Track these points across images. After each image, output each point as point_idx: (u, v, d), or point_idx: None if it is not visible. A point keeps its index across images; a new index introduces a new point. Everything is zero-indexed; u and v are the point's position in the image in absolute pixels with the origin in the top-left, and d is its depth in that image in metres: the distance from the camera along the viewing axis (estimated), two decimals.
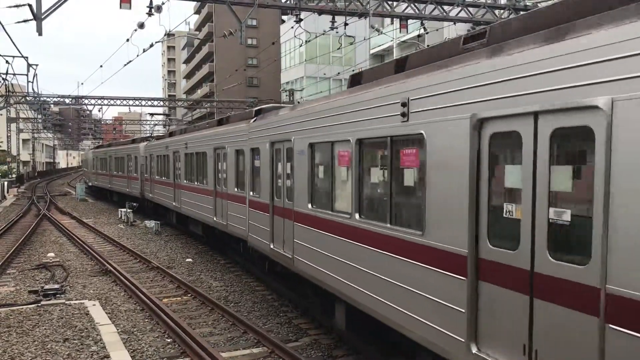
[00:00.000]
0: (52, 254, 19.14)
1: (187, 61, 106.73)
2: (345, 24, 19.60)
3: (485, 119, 5.28)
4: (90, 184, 48.29)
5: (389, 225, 7.06)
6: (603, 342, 4.04)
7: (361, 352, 9.32)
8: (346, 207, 8.31)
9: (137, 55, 24.68)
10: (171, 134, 25.12)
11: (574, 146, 4.61)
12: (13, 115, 69.20)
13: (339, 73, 49.87)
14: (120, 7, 16.29)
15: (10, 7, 15.76)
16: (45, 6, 15.14)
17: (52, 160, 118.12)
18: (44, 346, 9.76)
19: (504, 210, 5.15)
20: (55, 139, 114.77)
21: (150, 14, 16.47)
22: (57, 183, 75.65)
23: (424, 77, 6.34)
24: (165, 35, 24.21)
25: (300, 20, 19.49)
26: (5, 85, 40.20)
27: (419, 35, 37.78)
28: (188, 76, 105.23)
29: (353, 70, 46.28)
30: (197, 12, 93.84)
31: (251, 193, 13.31)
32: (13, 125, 70.33)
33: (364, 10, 18.67)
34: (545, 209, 4.63)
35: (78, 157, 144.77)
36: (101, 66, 31.78)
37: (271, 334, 10.22)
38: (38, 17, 14.99)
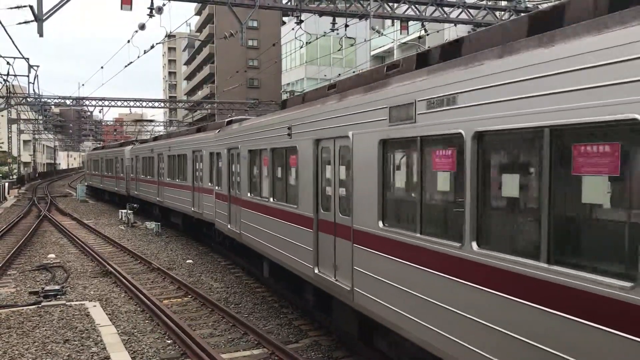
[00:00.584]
0: (52, 255, 19.14)
1: (188, 62, 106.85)
2: (346, 26, 19.61)
3: (318, 140, 9.00)
4: (86, 183, 50.66)
5: (285, 203, 10.66)
6: (352, 252, 7.72)
7: (362, 353, 9.32)
8: (267, 194, 11.69)
9: (138, 57, 24.81)
10: (155, 139, 28.77)
11: (344, 154, 8.17)
12: (14, 116, 69.24)
13: (339, 74, 49.86)
14: (122, 8, 16.29)
15: (11, 8, 15.79)
16: (46, 7, 15.14)
17: (52, 162, 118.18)
18: (44, 347, 9.76)
19: (326, 192, 8.86)
20: (56, 140, 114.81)
21: (151, 15, 16.48)
22: (57, 184, 75.68)
23: (297, 112, 10.04)
24: (166, 36, 24.23)
25: (301, 21, 19.51)
26: (6, 86, 40.22)
27: (419, 37, 37.79)
28: (189, 77, 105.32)
29: (353, 72, 46.29)
30: (198, 13, 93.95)
31: (216, 187, 16.58)
32: (14, 127, 70.41)
33: (365, 12, 18.67)
34: (337, 189, 8.39)
35: (79, 158, 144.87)
36: (102, 67, 31.83)
37: (271, 335, 10.22)
38: (39, 18, 15.01)
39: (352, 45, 40.73)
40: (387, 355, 7.98)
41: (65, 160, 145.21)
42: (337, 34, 21.22)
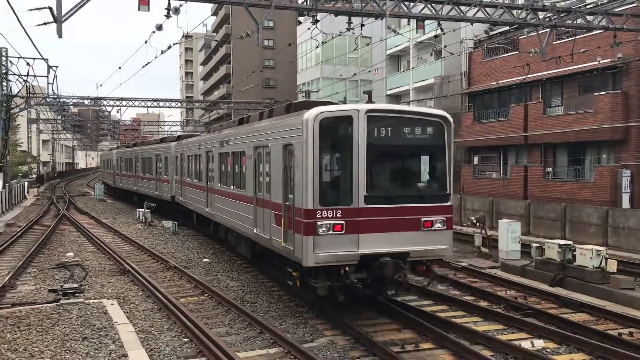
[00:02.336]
0: (71, 254, 19.36)
1: (204, 63, 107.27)
2: (362, 25, 19.55)
3: (256, 147, 13.85)
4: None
5: (232, 188, 16.14)
6: (255, 211, 13.59)
7: (376, 354, 9.31)
8: (225, 183, 17.17)
9: (155, 57, 24.92)
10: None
11: (260, 157, 13.60)
12: (33, 116, 70.11)
13: (355, 74, 49.81)
14: (139, 9, 16.37)
15: (31, 9, 15.97)
16: (64, 9, 15.28)
17: (71, 161, 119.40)
18: (63, 344, 9.87)
19: (263, 179, 13.24)
20: (74, 139, 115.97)
21: (168, 15, 16.54)
22: (76, 183, 76.49)
23: (226, 131, 17.53)
24: (182, 37, 24.37)
25: (317, 21, 19.48)
26: (26, 87, 40.73)
27: (435, 36, 37.59)
28: (205, 78, 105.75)
29: (369, 72, 46.08)
30: (215, 13, 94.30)
31: (201, 181, 21.08)
32: (33, 126, 71.26)
33: (381, 11, 18.59)
34: (265, 176, 13.00)
35: (97, 157, 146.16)
36: (120, 68, 32.14)
37: (287, 334, 10.24)
38: (58, 19, 15.16)
39: (367, 44, 40.64)
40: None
41: (84, 159, 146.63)
42: (353, 33, 21.16)
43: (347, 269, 10.54)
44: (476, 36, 37.05)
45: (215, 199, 18.47)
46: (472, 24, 21.72)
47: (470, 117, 35.57)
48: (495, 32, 35.77)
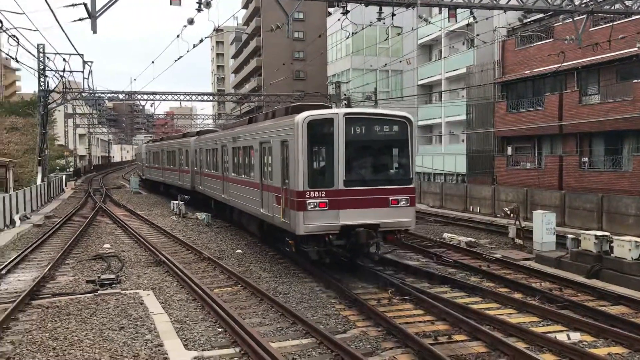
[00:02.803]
0: (107, 245, 19.78)
1: (235, 56, 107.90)
2: (393, 15, 19.39)
3: (261, 142, 16.74)
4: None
5: (243, 176, 18.78)
6: (262, 195, 16.53)
7: (409, 345, 9.30)
8: (238, 172, 19.97)
9: (187, 51, 25.23)
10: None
11: (264, 151, 16.44)
12: (70, 111, 71.64)
13: (385, 64, 49.47)
14: (171, 4, 16.55)
15: (66, 6, 16.30)
16: (98, 5, 15.55)
17: (107, 154, 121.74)
18: (101, 334, 10.12)
19: (266, 168, 16.03)
20: (109, 133, 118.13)
21: (199, 9, 16.67)
22: (112, 176, 78.01)
23: (238, 129, 20.77)
24: (214, 30, 24.55)
25: (347, 12, 19.40)
26: (63, 82, 41.61)
27: (468, 25, 37.07)
28: (236, 71, 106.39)
29: (400, 62, 45.75)
30: (245, 6, 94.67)
31: (218, 171, 24.05)
32: (70, 121, 72.82)
33: (412, 1, 18.41)
34: (268, 166, 15.94)
35: (132, 151, 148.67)
36: (153, 62, 32.55)
37: (320, 325, 10.29)
38: (93, 15, 15.43)
39: (398, 34, 40.26)
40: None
41: (119, 153, 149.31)
42: (384, 23, 21.00)
43: (330, 237, 13.48)
44: (509, 24, 36.38)
45: (229, 187, 21.56)
46: (505, 11, 21.34)
47: (504, 107, 35.02)
48: (529, 20, 35.07)
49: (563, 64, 26.47)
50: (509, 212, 19.93)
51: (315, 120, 13.57)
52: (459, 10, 20.21)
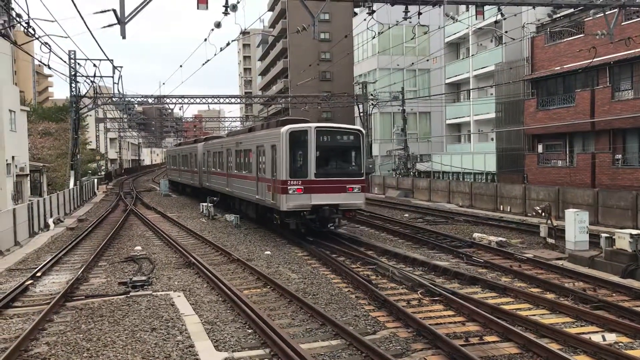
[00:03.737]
0: (139, 247, 20.07)
1: (262, 58, 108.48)
2: (419, 14, 19.27)
3: (257, 146, 22.62)
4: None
5: (245, 172, 24.49)
6: (257, 185, 22.45)
7: (439, 346, 9.21)
8: (239, 169, 25.76)
9: (215, 54, 25.49)
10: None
11: (259, 152, 22.41)
12: (101, 115, 72.93)
13: (412, 63, 49.19)
14: (198, 8, 16.73)
15: (96, 13, 16.59)
16: (127, 11, 15.79)
17: (137, 158, 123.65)
18: (133, 335, 10.26)
19: (260, 165, 22.08)
20: (139, 137, 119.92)
21: (226, 13, 16.81)
22: (142, 179, 79.14)
23: (241, 136, 26.70)
24: (240, 33, 24.73)
25: (373, 11, 19.35)
26: (93, 87, 42.40)
27: (496, 22, 36.58)
28: (263, 73, 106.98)
29: (427, 60, 45.38)
30: (271, 9, 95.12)
31: (223, 169, 29.84)
32: (101, 125, 74.12)
33: None
34: (262, 164, 21.92)
35: (161, 154, 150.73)
36: (181, 66, 32.92)
37: (349, 326, 10.26)
38: (122, 21, 15.68)
39: (425, 33, 40.01)
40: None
41: (149, 156, 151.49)
42: (410, 22, 20.90)
43: (304, 212, 19.30)
44: (538, 20, 35.83)
45: (233, 181, 27.48)
46: (534, 7, 21.02)
47: (534, 104, 34.50)
48: (558, 15, 34.48)
49: (594, 60, 25.97)
50: (540, 211, 19.62)
51: (294, 131, 19.47)
52: (486, 7, 19.98)
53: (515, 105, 36.93)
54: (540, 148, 35.11)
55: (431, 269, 15.28)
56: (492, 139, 42.48)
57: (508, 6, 19.78)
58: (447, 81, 50.02)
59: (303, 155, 19.44)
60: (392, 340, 9.75)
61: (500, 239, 19.35)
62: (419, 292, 12.73)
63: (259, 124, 28.89)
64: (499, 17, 20.21)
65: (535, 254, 17.05)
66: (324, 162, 19.71)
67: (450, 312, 11.33)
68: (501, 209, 29.41)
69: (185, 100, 46.13)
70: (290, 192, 19.10)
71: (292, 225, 19.81)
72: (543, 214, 19.31)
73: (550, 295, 12.46)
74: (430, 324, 10.19)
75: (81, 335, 10.34)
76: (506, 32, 32.15)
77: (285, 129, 19.41)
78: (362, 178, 20.11)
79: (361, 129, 20.61)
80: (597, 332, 10.01)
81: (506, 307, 11.42)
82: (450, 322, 10.70)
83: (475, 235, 20.48)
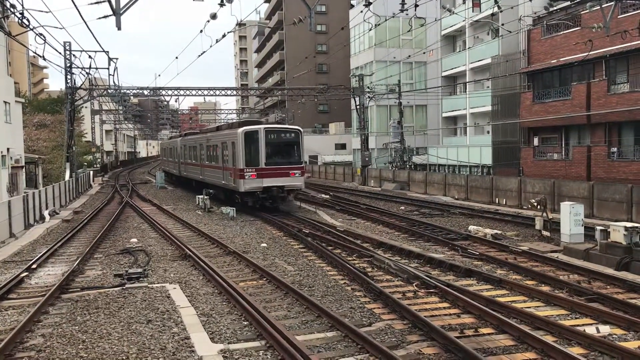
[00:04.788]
0: (135, 240, 20.04)
1: (258, 50, 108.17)
2: (416, 6, 19.22)
3: (223, 142, 28.57)
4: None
5: (213, 163, 30.26)
6: (223, 173, 28.53)
7: (435, 338, 9.25)
8: (209, 161, 31.71)
9: (210, 46, 25.34)
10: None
11: (224, 147, 28.41)
12: (96, 107, 72.65)
13: (409, 56, 49.11)
14: None
15: (91, 3, 16.49)
16: (122, 2, 15.68)
17: (133, 150, 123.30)
18: (129, 327, 10.26)
19: (224, 157, 27.90)
20: (135, 129, 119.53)
21: (222, 4, 16.73)
22: (138, 172, 78.97)
23: (210, 134, 32.96)
24: (236, 25, 24.63)
25: (370, 3, 19.29)
26: (89, 79, 42.21)
27: (492, 14, 36.54)
28: (259, 65, 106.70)
29: (424, 53, 45.32)
30: (267, 0, 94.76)
31: (197, 161, 35.60)
32: (97, 117, 73.86)
33: None
34: (225, 156, 28.18)
35: (157, 146, 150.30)
36: (176, 58, 32.81)
37: (345, 318, 10.29)
38: (117, 12, 15.59)
39: (422, 25, 39.88)
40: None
41: (145, 148, 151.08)
42: (407, 14, 20.86)
43: (258, 192, 25.16)
44: (535, 13, 35.79)
45: (205, 170, 33.03)
46: (530, 0, 20.97)
47: (530, 97, 34.52)
48: (555, 8, 34.45)
49: (591, 53, 25.97)
50: (535, 204, 19.67)
51: (248, 131, 25.33)
52: (483, 0, 19.94)
53: (512, 98, 36.95)
54: (536, 141, 35.16)
55: (427, 262, 15.32)
56: (488, 132, 42.52)
57: None
58: (444, 74, 49.97)
59: (255, 149, 25.03)
60: (388, 332, 9.78)
61: (495, 231, 19.40)
62: (414, 284, 12.77)
63: (225, 124, 35.53)
64: (496, 9, 20.17)
65: (530, 247, 17.11)
66: (272, 154, 25.29)
67: (445, 304, 11.37)
68: (497, 201, 29.48)
69: (181, 92, 45.97)
70: (246, 177, 24.86)
71: (250, 202, 25.67)
72: (538, 206, 19.36)
73: (545, 288, 12.52)
74: (425, 316, 10.22)
75: (77, 327, 10.34)
76: (503, 24, 32.11)
77: (241, 129, 25.41)
78: (302, 165, 26.01)
79: (299, 128, 26.72)
80: (591, 324, 10.06)
81: (501, 300, 11.47)
82: (445, 314, 10.74)
83: (471, 227, 20.53)
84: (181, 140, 42.32)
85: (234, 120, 47.62)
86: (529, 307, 11.05)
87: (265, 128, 25.33)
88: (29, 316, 10.59)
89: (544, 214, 18.98)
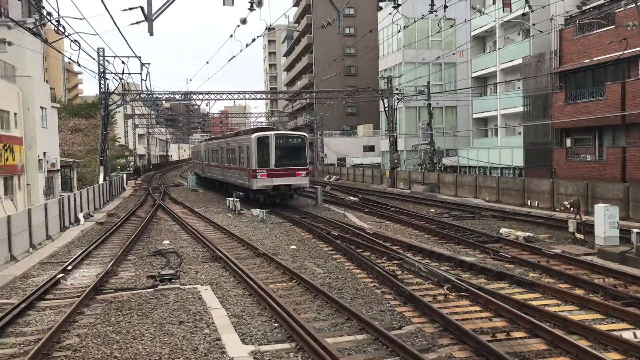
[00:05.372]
0: (167, 242, 20.33)
1: (287, 54, 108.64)
2: (445, 7, 19.09)
3: (239, 146, 32.43)
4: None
5: (232, 165, 34.34)
6: (240, 173, 32.50)
7: (466, 342, 9.17)
8: (229, 162, 35.74)
9: (240, 51, 25.58)
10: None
11: (240, 150, 32.15)
12: (129, 112, 73.91)
13: (438, 57, 48.74)
14: (224, 4, 16.84)
15: (124, 10, 16.81)
16: (154, 7, 15.95)
17: (165, 153, 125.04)
18: (161, 328, 10.42)
19: (241, 159, 31.66)
20: (167, 133, 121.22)
21: (251, 9, 16.88)
22: (170, 174, 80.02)
23: (229, 138, 37.06)
24: (266, 29, 24.84)
25: (399, 5, 19.23)
26: (122, 84, 42.99)
27: (523, 14, 36.05)
28: (288, 68, 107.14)
29: (453, 54, 44.99)
30: (296, 4, 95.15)
31: (218, 163, 40.32)
32: (130, 121, 75.16)
33: None
34: (241, 158, 32.11)
35: (188, 149, 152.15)
36: (207, 62, 33.27)
37: (375, 321, 10.26)
38: (149, 18, 15.86)
39: (451, 26, 39.62)
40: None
41: (177, 151, 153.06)
42: (436, 15, 20.73)
43: (268, 190, 28.49)
44: (567, 12, 35.19)
45: (224, 171, 37.23)
46: None
47: (562, 98, 33.93)
48: (588, 7, 33.81)
49: (625, 52, 25.42)
50: (568, 206, 19.32)
51: (260, 137, 28.78)
52: (513, 0, 19.72)
53: (543, 99, 36.37)
54: (568, 142, 34.54)
55: (457, 265, 15.18)
56: (520, 133, 41.91)
57: None
58: (474, 75, 49.47)
59: (266, 152, 28.43)
60: (418, 335, 9.73)
61: (527, 234, 19.13)
62: (445, 288, 12.67)
63: (242, 130, 42.42)
64: (527, 9, 19.91)
65: (563, 250, 16.81)
66: (281, 156, 28.65)
67: (476, 308, 11.26)
68: (529, 204, 29.04)
69: (212, 96, 46.49)
70: (258, 176, 28.33)
71: (261, 199, 29.09)
72: (572, 209, 19.02)
73: (579, 291, 12.29)
74: (456, 319, 10.14)
75: (111, 327, 10.54)
76: (534, 24, 31.64)
77: (254, 135, 28.99)
78: (307, 167, 29.37)
79: (305, 134, 30.47)
80: (628, 329, 9.84)
81: (534, 303, 11.30)
82: (476, 318, 10.63)
83: (502, 230, 20.28)
84: (205, 145, 48.20)
85: (251, 127, 54.25)
86: (563, 311, 10.87)
87: (275, 134, 29.04)
88: (65, 316, 10.84)
89: (578, 216, 18.63)
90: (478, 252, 17.14)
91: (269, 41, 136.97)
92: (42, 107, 35.20)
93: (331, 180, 55.55)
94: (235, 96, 47.61)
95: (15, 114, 31.00)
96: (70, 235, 22.88)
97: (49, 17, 18.70)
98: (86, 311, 11.76)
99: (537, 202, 28.56)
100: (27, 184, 32.71)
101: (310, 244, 19.12)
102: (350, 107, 77.73)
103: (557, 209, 25.98)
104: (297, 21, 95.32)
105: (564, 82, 34.60)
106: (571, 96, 33.63)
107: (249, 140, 29.10)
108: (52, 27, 18.99)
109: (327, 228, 21.78)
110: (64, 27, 18.62)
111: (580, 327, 9.72)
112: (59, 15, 17.99)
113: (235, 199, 29.72)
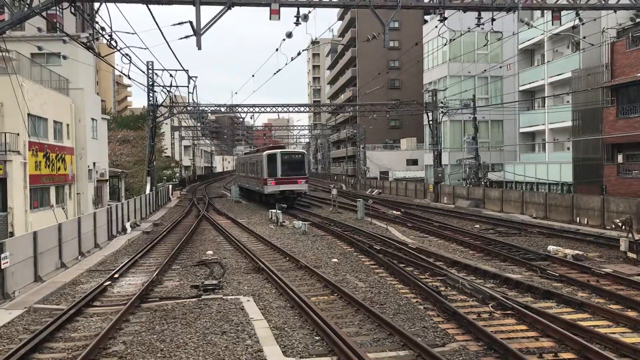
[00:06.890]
0: (210, 252, 20.59)
1: (330, 67, 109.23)
2: (492, 20, 18.86)
3: (258, 159, 40.88)
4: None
5: (252, 175, 43.65)
6: (258, 182, 40.70)
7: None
8: (253, 173, 43.89)
9: (286, 64, 25.89)
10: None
11: (261, 162, 39.45)
12: (176, 124, 75.47)
13: (484, 70, 48.14)
14: (270, 19, 17.09)
15: (174, 25, 17.26)
16: (203, 21, 16.30)
17: (209, 165, 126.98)
18: (204, 337, 10.52)
19: (258, 170, 40.32)
20: (212, 145, 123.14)
21: (297, 23, 17.08)
22: (214, 186, 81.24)
23: (251, 154, 48.48)
24: (310, 43, 25.13)
25: (445, 18, 19.11)
26: (169, 96, 43.99)
27: (573, 27, 35.33)
28: (332, 82, 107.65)
29: (500, 67, 44.37)
30: (341, 18, 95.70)
31: (246, 174, 49.80)
32: (176, 133, 76.72)
33: (513, 5, 17.84)
34: (261, 170, 39.83)
35: (232, 161, 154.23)
36: (253, 76, 33.85)
37: (417, 337, 10.11)
38: (197, 32, 16.23)
39: (498, 39, 39.13)
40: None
41: (221, 163, 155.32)
42: (482, 28, 20.49)
43: (276, 194, 37.00)
44: (619, 24, 34.28)
45: (249, 180, 44.29)
46: (615, 11, 20.13)
47: (613, 112, 32.98)
48: None
49: None
50: (620, 224, 18.70)
51: (269, 154, 37.21)
52: (563, 12, 19.32)
53: (593, 113, 35.42)
54: (620, 158, 33.48)
55: (503, 282, 14.84)
56: (569, 148, 40.88)
57: (587, 10, 19.04)
58: (521, 88, 48.63)
59: (275, 165, 36.75)
60: (462, 353, 9.54)
61: (576, 252, 18.56)
62: (490, 305, 12.40)
63: (262, 147, 50.49)
64: (577, 22, 19.48)
65: (614, 269, 16.24)
66: (285, 168, 36.80)
67: (522, 327, 10.96)
68: (577, 221, 28.22)
69: (256, 109, 47.05)
70: (268, 184, 36.79)
71: (272, 201, 36.13)
72: (623, 226, 18.39)
73: (632, 313, 11.83)
74: (501, 338, 9.89)
75: (155, 335, 10.70)
76: (584, 37, 30.94)
77: (265, 153, 37.56)
78: (306, 176, 38.19)
79: (304, 151, 42.02)
80: None
81: (583, 324, 10.93)
82: (522, 337, 10.35)
83: (550, 248, 19.74)
84: (237, 159, 62.70)
85: (269, 145, 64.75)
86: (614, 333, 10.48)
87: (280, 152, 37.60)
88: (111, 324, 11.07)
89: (630, 235, 18.00)
90: (524, 269, 16.72)
91: (313, 54, 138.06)
92: (93, 119, 36.33)
93: (373, 193, 55.31)
94: (279, 109, 48.06)
95: (67, 125, 32.07)
96: (118, 244, 23.43)
97: (101, 32, 19.34)
98: (132, 319, 11.99)
99: (586, 219, 27.74)
100: (77, 193, 33.70)
101: (352, 258, 19.04)
102: (393, 120, 77.47)
103: (607, 227, 25.17)
104: (342, 35, 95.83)
105: (616, 96, 33.63)
106: (623, 110, 32.65)
107: (262, 156, 37.75)
108: (105, 41, 19.63)
109: (369, 242, 21.66)
110: (115, 42, 19.22)
111: (633, 350, 9.34)
112: (111, 30, 18.60)
113: (278, 211, 29.90)
